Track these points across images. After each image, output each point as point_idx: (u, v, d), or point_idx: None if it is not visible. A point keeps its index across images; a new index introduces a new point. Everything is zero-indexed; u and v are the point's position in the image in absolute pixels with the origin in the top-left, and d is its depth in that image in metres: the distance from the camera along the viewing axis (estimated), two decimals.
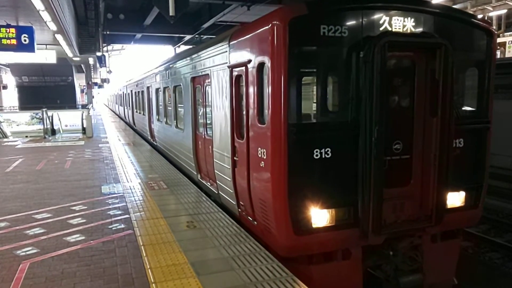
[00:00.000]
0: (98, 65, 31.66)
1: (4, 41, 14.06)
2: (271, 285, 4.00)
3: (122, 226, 5.88)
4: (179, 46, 28.26)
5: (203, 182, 8.11)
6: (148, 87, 15.17)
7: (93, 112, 34.94)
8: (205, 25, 22.07)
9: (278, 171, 4.63)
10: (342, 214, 4.84)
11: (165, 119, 12.11)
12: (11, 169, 10.66)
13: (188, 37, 25.90)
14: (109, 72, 39.64)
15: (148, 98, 15.19)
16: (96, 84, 46.24)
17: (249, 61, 5.20)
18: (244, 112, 5.48)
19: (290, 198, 4.60)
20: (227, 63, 6.09)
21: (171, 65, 10.77)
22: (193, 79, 8.36)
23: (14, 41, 14.13)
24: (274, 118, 4.61)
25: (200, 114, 8.29)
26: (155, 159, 11.68)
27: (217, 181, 6.90)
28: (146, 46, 39.72)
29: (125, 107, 26.06)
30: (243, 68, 5.41)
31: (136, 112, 19.80)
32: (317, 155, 4.62)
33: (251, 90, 5.24)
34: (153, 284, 4.05)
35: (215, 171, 6.93)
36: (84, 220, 6.18)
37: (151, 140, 15.40)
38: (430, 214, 5.10)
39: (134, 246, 5.09)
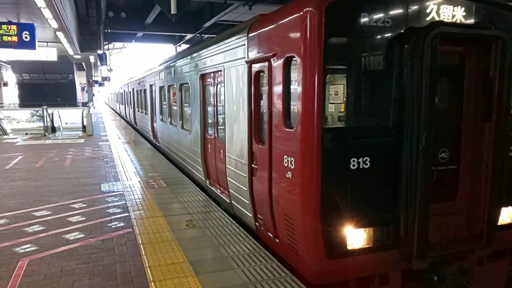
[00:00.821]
0: (99, 63, 31.68)
1: (5, 38, 14.07)
2: (270, 285, 3.99)
3: (122, 224, 5.87)
4: (180, 45, 28.26)
5: (212, 189, 7.45)
6: (151, 85, 14.49)
7: (94, 110, 34.93)
8: (206, 24, 22.07)
9: (309, 184, 4.00)
10: (381, 234, 4.21)
11: (169, 120, 11.39)
12: (10, 166, 10.65)
13: (189, 36, 25.92)
14: (110, 70, 39.71)
15: (151, 97, 14.52)
16: (96, 82, 46.23)
17: (274, 55, 4.52)
18: (266, 114, 4.82)
19: (323, 215, 3.96)
20: (244, 57, 5.42)
21: (177, 62, 10.10)
22: (202, 76, 7.68)
23: (15, 38, 14.14)
24: (305, 122, 3.97)
25: (210, 114, 7.59)
26: (155, 158, 11.67)
27: (230, 190, 6.24)
28: (147, 44, 39.80)
29: (126, 106, 25.56)
30: (266, 63, 4.74)
31: (138, 111, 19.13)
32: (354, 165, 3.99)
33: (275, 88, 4.56)
34: (152, 283, 4.04)
35: (228, 178, 6.27)
36: (84, 218, 6.17)
37: (154, 140, 14.68)
38: (480, 232, 4.40)
39: (133, 244, 5.08)
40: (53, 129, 20.24)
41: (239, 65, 5.67)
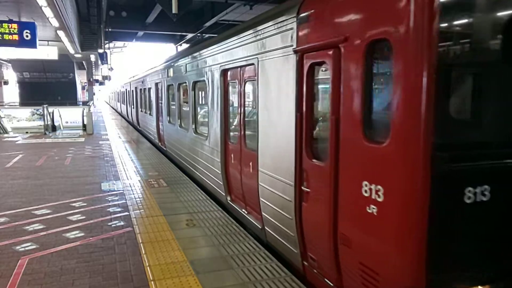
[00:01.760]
0: (99, 62, 31.69)
1: (6, 37, 14.08)
2: (270, 284, 3.99)
3: (122, 223, 5.88)
4: (180, 45, 28.27)
5: (235, 207, 6.34)
6: (156, 84, 13.27)
7: (94, 109, 34.94)
8: (207, 24, 22.07)
9: (411, 227, 2.78)
10: None
11: (179, 122, 10.18)
12: (11, 165, 10.65)
13: (190, 35, 25.91)
14: (111, 69, 39.68)
15: (157, 96, 13.34)
16: (97, 81, 46.26)
17: (346, 39, 3.27)
18: (326, 120, 3.69)
19: (431, 273, 2.76)
20: (291, 45, 4.19)
21: (189, 57, 8.87)
22: (224, 72, 6.55)
23: (16, 37, 14.14)
24: (406, 134, 2.76)
25: (234, 118, 6.46)
26: (155, 157, 11.67)
27: (263, 213, 5.13)
28: (148, 44, 39.79)
29: (128, 106, 24.59)
30: (330, 51, 3.52)
31: (141, 111, 17.94)
32: (469, 198, 2.82)
33: (348, 85, 3.31)
34: (152, 282, 4.04)
35: (261, 199, 5.13)
36: (84, 217, 6.17)
37: (159, 144, 13.37)
38: None
39: (133, 243, 5.08)
40: (54, 128, 20.26)
41: (281, 56, 4.48)
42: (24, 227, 5.75)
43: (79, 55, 27.82)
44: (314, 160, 3.90)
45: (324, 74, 3.87)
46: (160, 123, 13.11)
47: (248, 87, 5.86)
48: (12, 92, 40.42)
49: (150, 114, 15.13)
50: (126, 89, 25.35)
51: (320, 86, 3.99)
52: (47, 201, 7.08)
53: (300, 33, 4.08)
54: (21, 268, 4.41)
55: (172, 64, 10.72)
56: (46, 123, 19.48)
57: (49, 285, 4.03)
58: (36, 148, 13.96)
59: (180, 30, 25.24)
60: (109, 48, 32.77)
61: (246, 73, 5.77)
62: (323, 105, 3.95)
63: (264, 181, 5.02)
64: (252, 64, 5.32)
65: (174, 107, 10.74)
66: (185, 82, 9.19)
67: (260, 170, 5.11)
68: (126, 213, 6.32)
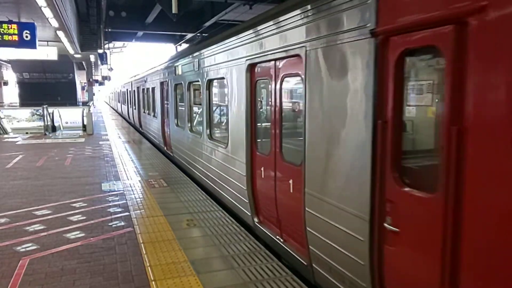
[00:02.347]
0: (99, 62, 31.67)
1: (5, 37, 14.07)
2: (271, 284, 4.00)
3: (122, 223, 5.88)
4: (180, 45, 28.26)
5: (266, 232, 5.29)
6: (162, 83, 12.27)
7: (94, 110, 34.93)
8: (207, 24, 22.06)
9: None
10: None
11: (189, 126, 9.17)
12: (11, 165, 10.65)
13: (190, 35, 25.90)
14: (110, 69, 39.67)
15: (162, 97, 12.31)
16: (97, 81, 46.24)
17: (482, 9, 2.17)
18: (443, 131, 2.49)
19: None
20: (366, 25, 3.07)
21: (204, 51, 7.70)
22: (252, 67, 5.49)
23: (15, 37, 14.13)
24: None
25: (266, 123, 5.40)
26: (156, 157, 11.67)
27: (312, 247, 4.05)
28: (148, 44, 39.79)
29: (129, 107, 23.62)
30: (446, 29, 2.41)
31: (144, 113, 16.84)
32: None
33: (483, 78, 2.23)
34: (153, 282, 4.05)
35: (308, 229, 4.07)
36: (84, 217, 6.18)
37: (165, 149, 12.40)
38: None
39: (134, 243, 5.09)
40: (54, 128, 20.26)
41: (348, 42, 3.34)
42: (25, 227, 5.75)
43: (78, 56, 27.80)
44: (407, 189, 2.79)
45: (425, 63, 2.93)
46: (166, 126, 12.11)
47: (288, 85, 4.83)
48: (11, 93, 40.40)
49: (154, 116, 14.08)
50: (127, 89, 24.43)
51: (418, 82, 2.90)
52: (47, 201, 7.08)
53: (383, 7, 2.92)
54: (22, 268, 4.42)
55: (181, 60, 9.60)
56: (46, 123, 19.48)
57: (50, 286, 4.03)
58: (36, 149, 13.96)
59: (180, 30, 25.20)
60: (108, 48, 32.76)
61: (285, 67, 4.63)
62: (425, 109, 2.94)
63: (314, 207, 3.91)
64: (296, 55, 4.19)
65: (183, 108, 9.67)
66: (197, 81, 8.18)
67: (308, 192, 4.02)
68: (127, 213, 6.32)
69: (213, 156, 7.31)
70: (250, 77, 5.59)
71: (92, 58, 30.97)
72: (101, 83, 49.26)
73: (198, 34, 23.78)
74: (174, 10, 9.03)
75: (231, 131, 6.26)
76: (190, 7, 15.08)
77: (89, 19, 22.76)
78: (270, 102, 5.01)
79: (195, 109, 9.14)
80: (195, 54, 8.37)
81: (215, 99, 7.85)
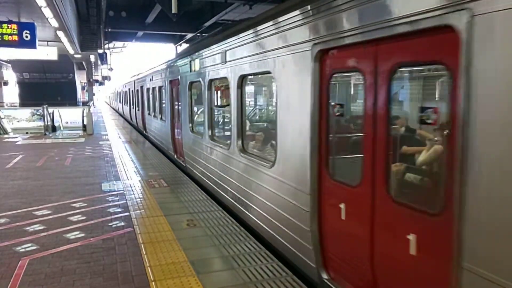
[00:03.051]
0: (99, 62, 31.69)
1: (5, 37, 14.07)
2: (271, 284, 3.99)
3: (122, 223, 5.87)
4: (180, 45, 28.27)
5: None
6: (171, 81, 10.70)
7: (94, 110, 34.93)
8: (207, 24, 22.06)
9: None
10: None
11: (209, 133, 7.52)
12: (11, 165, 10.64)
13: (189, 35, 25.90)
14: (110, 69, 39.70)
15: (172, 97, 10.81)
16: (97, 81, 46.24)
17: None
18: None
19: None
20: None
21: (235, 40, 5.96)
22: (324, 55, 3.82)
23: (15, 37, 14.13)
24: None
25: (348, 136, 4.10)
26: (156, 157, 11.67)
27: None
28: (148, 44, 39.78)
29: (131, 107, 22.19)
30: None
31: (150, 115, 15.26)
32: None
33: None
34: (153, 282, 4.04)
35: None
36: (84, 217, 6.17)
37: (175, 156, 10.87)
38: None
39: (134, 244, 5.08)
40: (54, 128, 20.26)
41: None
42: (25, 227, 5.74)
43: (78, 56, 27.80)
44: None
45: None
46: (176, 131, 10.55)
47: (409, 82, 3.45)
48: (12, 93, 40.41)
49: (161, 118, 12.51)
50: (129, 89, 23.41)
51: None
52: (47, 201, 7.07)
53: None
54: (21, 269, 4.41)
55: (200, 53, 7.87)
56: (46, 123, 19.48)
57: (50, 286, 4.03)
58: (36, 149, 13.96)
59: (180, 30, 25.20)
60: (108, 49, 32.77)
61: (403, 50, 2.92)
62: None
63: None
64: (445, 28, 2.43)
65: (201, 111, 8.14)
66: (224, 78, 6.56)
67: (468, 267, 2.33)
68: (127, 213, 6.31)
69: (247, 176, 5.58)
70: (319, 69, 3.86)
71: (92, 58, 30.97)
72: (101, 83, 49.29)
73: (198, 34, 23.77)
74: (174, 10, 9.02)
75: (281, 145, 4.65)
76: (190, 7, 15.07)
77: (89, 19, 22.76)
78: (365, 106, 3.29)
79: (219, 112, 7.72)
80: (220, 45, 6.58)
81: (251, 101, 6.40)
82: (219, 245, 4.97)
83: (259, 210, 5.30)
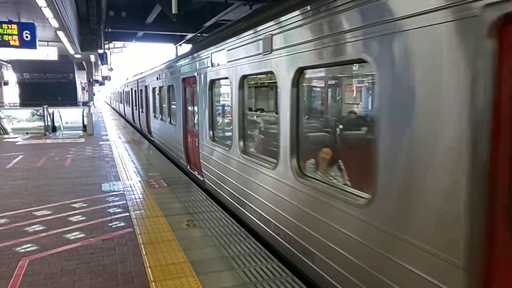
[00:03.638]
0: (99, 62, 31.68)
1: (5, 38, 14.08)
2: (271, 285, 3.98)
3: (122, 224, 5.87)
4: (180, 45, 28.28)
5: None
6: (184, 80, 9.26)
7: (94, 110, 34.92)
8: (207, 24, 22.07)
9: None
10: None
11: (241, 145, 5.88)
12: (11, 166, 10.64)
13: (190, 35, 25.90)
14: (111, 69, 39.68)
15: (185, 98, 9.31)
16: (97, 81, 46.26)
17: None
18: None
19: None
20: None
21: (287, 19, 4.26)
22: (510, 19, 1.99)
23: (15, 38, 14.14)
24: None
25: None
26: (156, 158, 11.66)
27: None
28: (148, 44, 39.80)
29: (134, 109, 21.10)
30: None
31: (156, 117, 13.76)
32: None
33: None
34: (153, 283, 4.03)
35: None
36: (84, 218, 6.16)
37: (188, 167, 9.29)
38: None
39: (133, 244, 5.07)
40: (54, 129, 20.26)
41: None
42: (25, 228, 5.74)
43: (79, 56, 27.83)
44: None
45: None
46: (191, 139, 9.04)
47: None
48: (12, 93, 40.43)
49: (171, 122, 11.08)
50: (131, 88, 22.34)
51: None
52: (47, 202, 7.07)
53: None
54: (21, 269, 4.40)
55: (227, 43, 6.22)
56: (46, 123, 19.48)
57: (50, 287, 4.02)
58: (36, 149, 13.96)
59: (180, 30, 25.20)
60: (109, 49, 32.76)
61: None
62: None
63: None
64: None
65: (228, 116, 6.95)
66: (270, 72, 4.95)
67: None
68: (127, 213, 6.31)
69: (312, 212, 3.95)
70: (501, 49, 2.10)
71: (92, 58, 31.00)
72: (101, 83, 49.31)
73: (198, 34, 23.78)
74: (174, 10, 9.01)
75: (387, 168, 2.89)
76: (190, 7, 15.06)
77: (89, 19, 22.77)
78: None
79: (257, 119, 6.46)
80: (262, 29, 4.89)
81: (320, 105, 4.96)
82: (219, 246, 4.97)
83: (317, 252, 3.88)
